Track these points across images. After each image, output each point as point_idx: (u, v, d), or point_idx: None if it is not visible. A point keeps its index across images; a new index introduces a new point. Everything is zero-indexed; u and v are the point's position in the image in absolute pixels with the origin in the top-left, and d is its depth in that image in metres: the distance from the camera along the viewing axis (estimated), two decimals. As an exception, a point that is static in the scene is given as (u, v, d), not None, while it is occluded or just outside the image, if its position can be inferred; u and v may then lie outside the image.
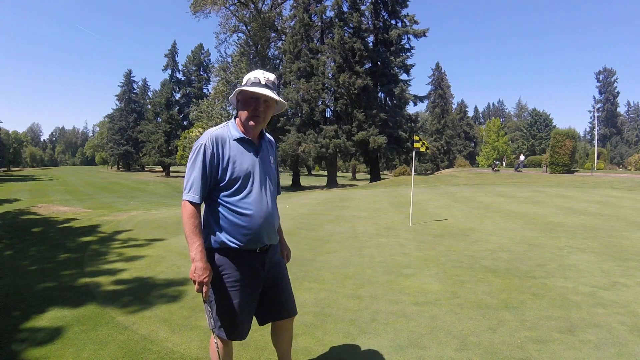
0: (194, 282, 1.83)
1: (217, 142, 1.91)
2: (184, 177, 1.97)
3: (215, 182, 1.93)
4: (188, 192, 1.88)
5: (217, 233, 1.92)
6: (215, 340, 1.93)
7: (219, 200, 1.93)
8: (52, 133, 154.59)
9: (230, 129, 1.99)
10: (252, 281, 1.98)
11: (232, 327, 1.96)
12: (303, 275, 4.56)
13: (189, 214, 1.86)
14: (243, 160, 1.95)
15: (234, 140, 1.95)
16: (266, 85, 1.94)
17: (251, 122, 1.97)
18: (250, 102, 1.95)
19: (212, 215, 1.95)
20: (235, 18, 35.65)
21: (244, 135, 1.97)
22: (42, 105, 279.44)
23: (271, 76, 1.98)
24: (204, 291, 1.85)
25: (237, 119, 2.03)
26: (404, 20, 33.22)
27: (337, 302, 3.71)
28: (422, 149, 8.47)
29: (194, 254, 1.82)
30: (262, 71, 2.00)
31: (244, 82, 1.99)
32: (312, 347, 2.84)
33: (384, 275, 4.58)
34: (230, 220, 1.92)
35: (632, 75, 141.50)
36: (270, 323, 2.19)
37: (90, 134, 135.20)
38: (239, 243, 1.92)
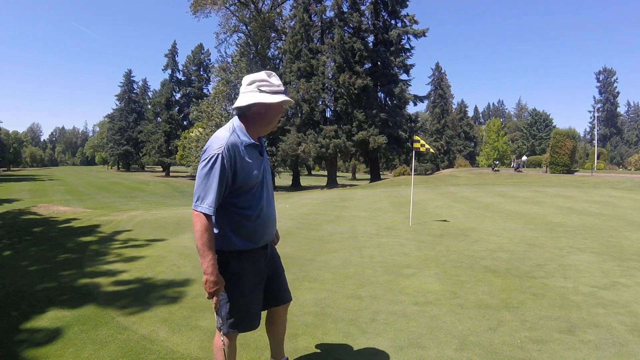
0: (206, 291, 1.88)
1: (233, 151, 1.86)
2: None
3: (230, 191, 1.90)
4: (202, 204, 1.82)
5: (230, 238, 1.94)
6: (222, 339, 1.97)
7: (230, 206, 1.93)
8: (52, 133, 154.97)
9: (240, 135, 1.92)
10: (259, 275, 2.07)
11: (246, 320, 2.04)
12: (303, 275, 4.56)
13: (204, 226, 1.81)
14: (255, 167, 1.95)
15: (244, 146, 1.92)
16: (285, 92, 1.96)
17: (270, 130, 2.04)
18: (278, 111, 1.98)
19: (223, 220, 1.94)
20: (235, 18, 35.67)
21: (253, 141, 1.95)
22: (42, 105, 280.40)
23: (279, 79, 1.99)
24: (214, 302, 1.91)
25: (241, 122, 1.96)
26: (404, 20, 33.24)
27: (337, 302, 3.71)
28: (422, 150, 8.46)
29: (206, 267, 1.83)
30: (274, 74, 1.96)
31: (258, 86, 1.91)
32: (312, 347, 2.83)
33: (384, 275, 4.58)
34: (244, 224, 1.94)
35: (632, 75, 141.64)
36: (266, 314, 2.28)
37: (90, 134, 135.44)
38: (252, 244, 1.98)
